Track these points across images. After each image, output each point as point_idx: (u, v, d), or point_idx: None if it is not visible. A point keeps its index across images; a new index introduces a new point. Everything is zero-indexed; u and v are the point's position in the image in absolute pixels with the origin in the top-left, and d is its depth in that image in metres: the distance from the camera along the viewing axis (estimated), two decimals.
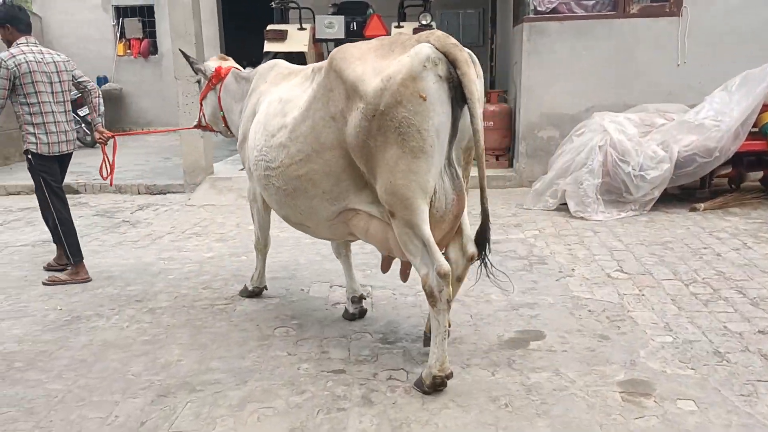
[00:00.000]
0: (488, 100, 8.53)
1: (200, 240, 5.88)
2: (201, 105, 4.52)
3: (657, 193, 6.34)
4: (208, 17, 13.91)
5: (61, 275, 4.78)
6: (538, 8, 7.70)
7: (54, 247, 5.13)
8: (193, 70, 4.47)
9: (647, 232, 5.67)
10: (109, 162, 5.00)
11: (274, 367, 3.31)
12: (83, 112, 11.58)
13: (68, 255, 4.80)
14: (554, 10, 7.71)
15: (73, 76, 4.89)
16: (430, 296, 2.85)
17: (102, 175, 5.05)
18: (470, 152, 2.99)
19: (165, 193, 8.08)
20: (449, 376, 2.95)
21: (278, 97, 3.44)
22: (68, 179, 8.41)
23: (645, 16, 7.49)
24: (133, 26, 14.22)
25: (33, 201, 7.67)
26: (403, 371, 3.24)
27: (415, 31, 8.35)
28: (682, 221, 6.00)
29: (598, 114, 6.89)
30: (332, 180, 3.05)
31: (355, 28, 8.97)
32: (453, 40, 2.75)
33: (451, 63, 2.70)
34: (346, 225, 3.20)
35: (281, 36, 8.60)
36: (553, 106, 7.70)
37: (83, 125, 11.76)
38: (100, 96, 5.03)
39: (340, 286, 4.50)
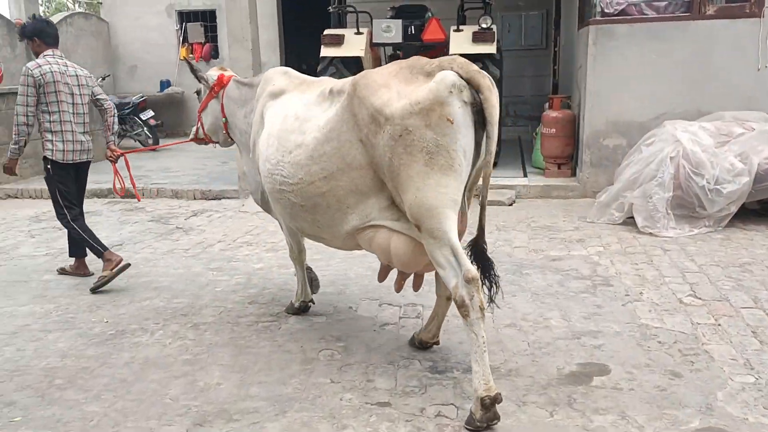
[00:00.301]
0: (550, 106, 8.17)
1: (251, 249, 5.79)
2: (199, 117, 4.51)
3: (734, 209, 5.87)
4: (268, 22, 13.99)
5: (103, 272, 4.83)
6: (606, 10, 7.29)
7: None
8: (197, 77, 4.43)
9: (723, 252, 5.23)
10: (120, 178, 5.18)
11: (315, 396, 3.13)
12: (146, 115, 11.80)
13: (94, 249, 4.89)
14: (623, 12, 7.29)
15: (92, 92, 5.04)
16: (461, 306, 2.85)
17: (116, 191, 5.24)
18: (478, 173, 3.12)
19: (220, 199, 8.08)
20: (497, 398, 2.80)
21: (294, 113, 3.50)
22: (126, 184, 8.59)
23: (722, 17, 6.98)
24: (196, 31, 14.44)
25: (93, 205, 7.84)
26: (453, 407, 3.01)
27: (475, 35, 8.07)
28: (762, 240, 5.53)
29: (670, 122, 6.45)
30: (357, 197, 3.19)
31: (413, 31, 8.75)
32: (475, 67, 2.90)
33: (475, 89, 2.86)
34: (368, 241, 3.28)
35: (338, 41, 8.47)
36: (620, 112, 7.29)
37: (145, 128, 12.00)
38: (116, 115, 5.21)
39: (390, 304, 4.31)
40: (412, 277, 3.62)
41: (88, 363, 3.55)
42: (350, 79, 3.27)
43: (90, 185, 8.55)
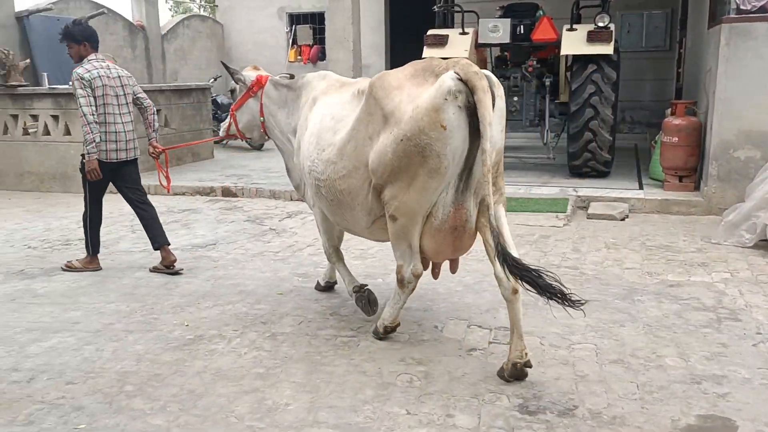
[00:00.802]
0: (673, 112, 7.42)
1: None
2: (232, 115, 4.61)
3: None
4: (375, 25, 13.92)
5: (76, 262, 5.27)
6: (742, 7, 6.50)
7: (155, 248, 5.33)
8: (233, 78, 4.52)
9: None
10: (164, 173, 5.32)
11: (388, 428, 2.84)
12: None
13: (88, 246, 5.25)
14: (761, 9, 6.47)
15: (133, 92, 5.23)
16: (401, 283, 3.52)
17: (161, 185, 5.39)
18: (497, 167, 3.20)
19: None
20: (397, 325, 3.70)
21: (331, 113, 3.72)
22: (227, 182, 8.72)
23: None
24: (305, 33, 14.62)
25: (195, 203, 8.00)
26: None
27: (590, 34, 7.49)
28: None
29: None
30: (364, 194, 3.43)
31: (522, 31, 8.28)
32: (475, 69, 2.99)
33: (471, 90, 2.95)
34: (386, 231, 3.50)
35: (441, 41, 8.16)
36: (755, 121, 6.46)
37: None
38: (155, 113, 5.38)
39: (480, 326, 3.94)
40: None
41: (160, 369, 3.45)
42: (370, 80, 3.45)
43: (192, 182, 8.78)
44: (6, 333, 3.98)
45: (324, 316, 4.19)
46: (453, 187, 3.19)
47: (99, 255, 5.35)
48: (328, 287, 4.64)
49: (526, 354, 3.16)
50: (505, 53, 9.09)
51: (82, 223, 5.32)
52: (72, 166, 8.79)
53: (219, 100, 12.14)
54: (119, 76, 5.10)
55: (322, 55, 14.62)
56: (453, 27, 9.13)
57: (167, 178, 5.34)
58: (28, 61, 9.69)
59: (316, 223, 4.35)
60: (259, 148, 12.04)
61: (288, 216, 7.23)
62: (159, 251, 5.23)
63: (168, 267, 5.16)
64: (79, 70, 4.91)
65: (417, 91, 3.12)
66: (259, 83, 4.41)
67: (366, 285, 4.17)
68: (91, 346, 3.77)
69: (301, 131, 4.04)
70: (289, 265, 5.35)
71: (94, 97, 4.90)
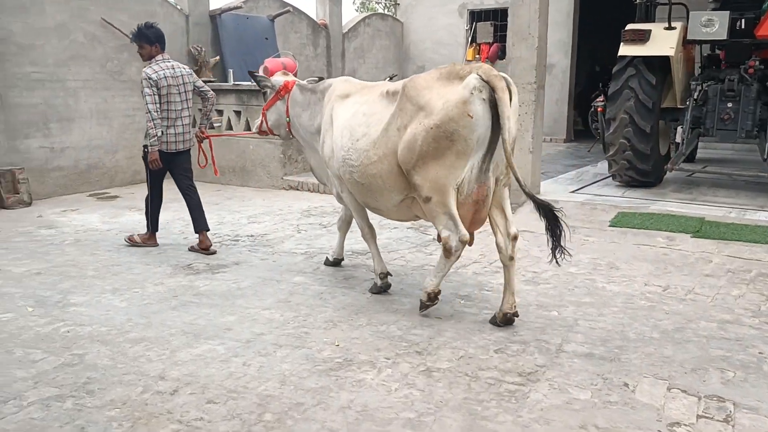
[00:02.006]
0: None
1: None
2: (264, 114, 5.20)
3: None
4: (562, 20, 12.97)
5: (137, 237, 5.93)
6: None
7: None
8: (260, 86, 5.17)
9: None
10: (205, 155, 5.94)
11: None
12: None
13: (149, 224, 5.88)
14: None
15: (195, 86, 5.77)
16: (447, 250, 3.86)
17: (199, 165, 5.95)
18: (510, 159, 3.65)
19: None
20: (439, 292, 4.06)
21: (362, 110, 4.25)
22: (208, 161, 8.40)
23: None
24: (485, 30, 14.03)
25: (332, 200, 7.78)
26: None
27: None
28: None
29: None
30: (394, 176, 3.98)
31: (743, 26, 7.02)
32: (495, 72, 3.65)
33: (492, 89, 3.58)
34: (410, 209, 4.15)
35: (641, 37, 7.17)
36: None
37: None
38: (214, 105, 5.96)
39: (684, 391, 3.15)
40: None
41: (304, 398, 3.12)
42: (402, 82, 4.07)
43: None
44: (162, 333, 3.92)
45: (487, 351, 3.64)
46: (477, 168, 3.74)
47: (266, 253, 5.28)
48: (336, 263, 5.24)
49: (514, 306, 3.97)
50: (718, 52, 7.83)
51: (145, 205, 5.90)
52: (251, 161, 9.04)
53: None
54: (182, 75, 5.63)
55: (502, 54, 13.95)
56: (655, 21, 8.04)
57: (213, 162, 6.07)
58: (217, 57, 10.17)
59: (349, 208, 4.82)
60: None
61: None
62: (198, 235, 5.80)
63: (204, 250, 5.71)
64: (148, 71, 5.46)
65: (444, 90, 3.73)
66: (286, 88, 5.00)
67: (390, 275, 4.74)
68: (239, 359, 3.55)
69: (326, 128, 4.59)
70: (451, 283, 4.85)
71: (159, 95, 5.45)
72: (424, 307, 4.12)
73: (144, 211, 5.96)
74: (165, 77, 5.49)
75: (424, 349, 3.67)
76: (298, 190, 8.82)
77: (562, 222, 3.87)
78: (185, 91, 5.65)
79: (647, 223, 6.25)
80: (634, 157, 7.45)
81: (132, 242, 5.91)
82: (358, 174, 4.19)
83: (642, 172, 7.57)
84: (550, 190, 7.55)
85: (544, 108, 7.39)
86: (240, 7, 10.38)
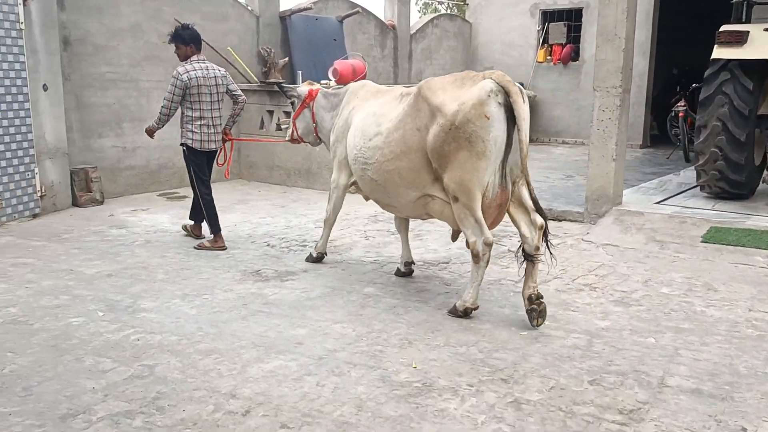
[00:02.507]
0: None
1: (594, 296, 4.64)
2: (294, 122, 5.55)
3: None
4: (642, 19, 12.33)
5: (206, 242, 5.92)
6: None
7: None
8: (286, 96, 5.59)
9: None
10: (225, 155, 6.11)
11: None
12: None
13: (210, 226, 5.91)
14: None
15: (227, 89, 5.91)
16: (476, 256, 4.04)
17: (218, 163, 6.12)
18: (525, 160, 3.89)
19: (560, 221, 7.04)
20: (476, 308, 4.15)
21: (373, 111, 4.51)
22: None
23: None
24: (557, 31, 13.55)
25: None
26: None
27: None
28: None
29: None
30: (414, 173, 4.14)
31: None
32: (508, 78, 3.89)
33: (507, 94, 3.81)
34: (424, 207, 4.28)
35: (738, 39, 6.64)
36: None
37: None
38: (243, 108, 6.10)
39: None
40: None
41: (383, 427, 2.89)
42: (416, 85, 4.23)
43: None
44: (232, 345, 3.77)
45: (581, 382, 3.32)
46: (498, 173, 3.92)
47: (327, 258, 5.14)
48: (407, 272, 5.11)
49: (537, 289, 4.09)
50: None
51: (203, 209, 5.93)
52: (316, 164, 8.92)
53: None
54: (215, 76, 5.78)
55: (575, 55, 13.46)
56: (751, 22, 7.47)
57: (227, 161, 6.19)
58: (286, 59, 10.10)
59: (328, 197, 5.25)
60: None
61: None
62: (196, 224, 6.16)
63: (196, 236, 6.12)
64: (180, 69, 5.66)
65: (458, 93, 3.90)
66: (311, 95, 5.34)
67: (326, 255, 5.39)
68: (312, 377, 3.36)
69: (340, 130, 4.95)
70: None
71: (190, 94, 5.65)
72: (456, 315, 4.18)
73: (204, 215, 5.99)
74: (196, 77, 5.65)
75: (510, 376, 3.39)
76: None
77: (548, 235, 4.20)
78: (217, 92, 5.81)
79: (744, 240, 5.75)
80: (727, 168, 6.92)
81: (202, 248, 5.87)
82: (373, 171, 4.42)
83: (734, 184, 7.03)
84: (632, 200, 7.11)
85: (628, 113, 6.95)
86: (310, 8, 10.29)
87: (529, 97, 13.33)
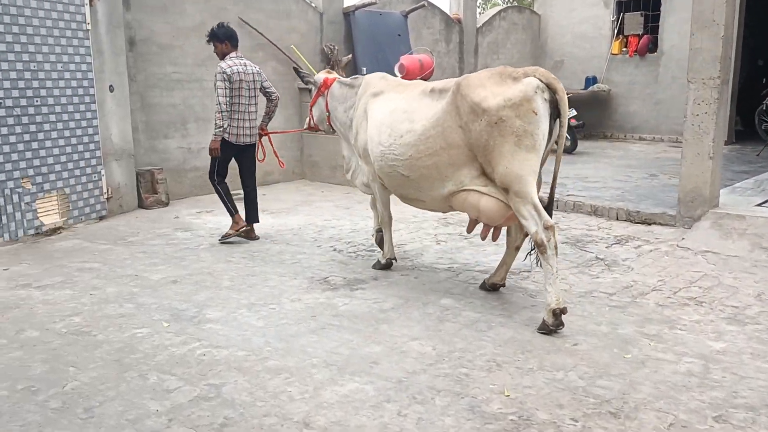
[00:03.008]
0: None
1: (701, 313, 4.13)
2: (311, 110, 5.52)
3: None
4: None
5: (229, 231, 6.00)
6: None
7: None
8: (304, 82, 5.57)
9: None
10: (264, 150, 6.23)
11: None
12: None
13: (230, 212, 6.02)
14: None
15: (262, 86, 6.00)
16: (540, 246, 3.85)
17: (258, 159, 6.21)
18: (548, 152, 4.09)
19: (650, 224, 6.48)
20: (564, 310, 3.81)
21: (401, 107, 4.46)
22: (539, 192, 7.55)
23: None
24: (634, 21, 12.79)
25: None
26: None
27: None
28: None
29: None
30: (453, 168, 4.18)
31: None
32: (552, 75, 3.90)
33: (551, 90, 3.86)
34: (455, 200, 4.29)
35: None
36: None
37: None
38: (277, 105, 6.15)
39: None
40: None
41: None
42: (453, 80, 4.27)
43: None
44: (303, 363, 3.47)
45: (704, 418, 2.86)
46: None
47: (398, 262, 4.79)
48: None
49: (504, 280, 4.55)
50: None
51: (220, 196, 6.05)
52: None
53: None
54: (252, 72, 5.86)
55: (652, 47, 12.67)
56: None
57: (276, 155, 6.60)
58: (350, 56, 9.82)
59: (374, 198, 5.16)
60: None
61: (617, 242, 5.89)
62: (247, 223, 6.10)
63: (246, 236, 6.05)
64: (223, 65, 5.69)
65: (499, 89, 3.90)
66: (326, 84, 5.30)
67: (395, 261, 5.22)
68: (392, 405, 3.02)
69: (360, 122, 4.87)
70: (632, 317, 4.07)
71: (231, 89, 5.68)
72: (546, 330, 3.83)
73: (222, 202, 6.10)
74: (237, 72, 5.73)
75: (619, 409, 2.95)
76: None
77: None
78: (254, 88, 5.90)
79: None
80: None
81: (227, 238, 5.99)
82: (405, 167, 4.40)
83: None
84: (729, 202, 6.47)
85: (727, 107, 6.32)
86: (374, 3, 9.97)
87: (603, 91, 12.67)
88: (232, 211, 6.03)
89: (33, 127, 6.20)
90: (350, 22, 9.91)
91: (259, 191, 8.59)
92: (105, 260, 5.48)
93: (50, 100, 6.35)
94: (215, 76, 5.71)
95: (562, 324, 3.78)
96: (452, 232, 6.33)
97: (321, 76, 5.41)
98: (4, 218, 5.97)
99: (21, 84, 6.05)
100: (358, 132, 4.89)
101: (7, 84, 5.92)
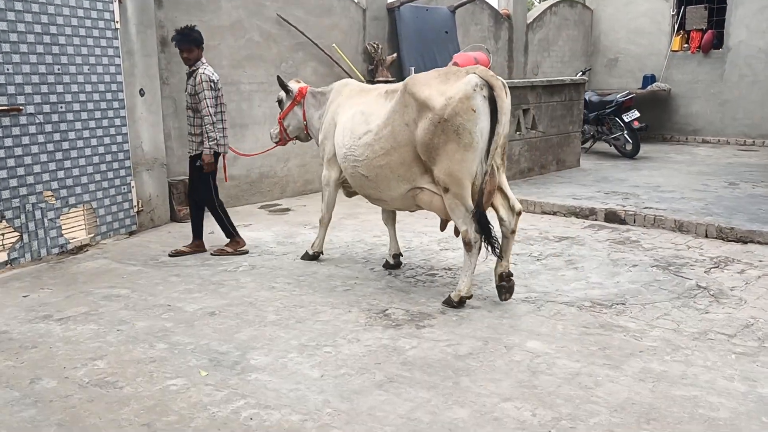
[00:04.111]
0: None
1: None
2: (280, 123, 5.61)
3: None
4: None
5: (227, 248, 5.68)
6: None
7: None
8: (285, 91, 5.52)
9: None
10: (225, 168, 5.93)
11: None
12: (629, 116, 9.92)
13: (228, 233, 5.71)
14: None
15: None
16: (467, 244, 4.19)
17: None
18: (504, 148, 4.26)
19: (746, 242, 5.67)
20: (470, 297, 4.30)
21: (360, 110, 4.69)
22: (610, 203, 6.72)
23: None
24: (697, 15, 11.88)
25: (572, 228, 6.26)
26: None
27: None
28: None
29: None
30: (405, 167, 4.33)
31: None
32: (491, 73, 4.13)
33: (490, 88, 4.03)
34: (413, 199, 4.46)
35: None
36: None
37: (625, 132, 10.11)
38: None
39: None
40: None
41: None
42: (402, 82, 4.47)
43: (564, 199, 7.16)
44: (373, 430, 2.81)
45: None
46: (484, 162, 4.10)
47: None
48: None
49: (509, 267, 4.38)
50: None
51: (214, 215, 5.71)
52: None
53: (587, 97, 10.28)
54: (218, 79, 5.54)
55: (717, 42, 11.75)
56: None
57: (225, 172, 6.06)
58: (395, 55, 9.16)
59: (321, 197, 5.33)
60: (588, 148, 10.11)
61: (715, 265, 5.10)
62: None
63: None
64: (207, 72, 5.34)
65: (443, 87, 4.10)
66: (301, 93, 5.46)
67: (321, 254, 5.41)
68: None
69: (328, 127, 5.09)
70: (766, 369, 3.31)
71: (216, 98, 5.40)
72: (451, 306, 4.30)
73: (219, 221, 5.76)
74: (218, 79, 5.50)
75: None
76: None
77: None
78: (223, 95, 5.64)
79: None
80: None
81: (222, 253, 5.66)
82: (364, 167, 4.55)
83: None
84: None
85: None
86: None
87: (663, 91, 11.75)
88: (234, 234, 5.75)
89: (57, 136, 5.65)
90: (395, 18, 9.23)
91: (299, 202, 8.02)
92: (134, 285, 4.89)
93: (76, 106, 5.80)
94: (200, 84, 5.29)
95: (462, 305, 4.28)
96: (521, 251, 5.60)
97: (295, 85, 5.53)
98: (25, 237, 5.43)
99: (44, 89, 5.49)
100: (326, 138, 5.11)
101: (28, 89, 5.37)
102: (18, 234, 5.38)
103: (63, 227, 5.77)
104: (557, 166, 8.97)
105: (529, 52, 11.78)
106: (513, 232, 4.36)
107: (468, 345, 3.70)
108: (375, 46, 8.97)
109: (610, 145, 10.50)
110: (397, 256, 5.22)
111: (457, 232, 4.39)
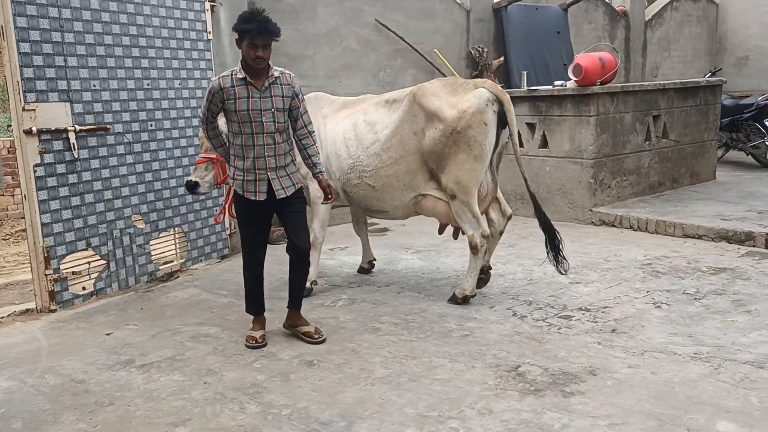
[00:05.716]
0: None
1: None
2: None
3: None
4: None
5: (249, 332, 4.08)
6: None
7: None
8: None
9: None
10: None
11: None
12: None
13: (252, 308, 4.16)
14: None
15: None
16: (474, 248, 4.35)
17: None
18: (500, 158, 4.54)
19: None
20: (474, 295, 4.47)
21: (362, 120, 4.67)
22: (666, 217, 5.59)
23: None
24: None
25: (726, 257, 5.11)
26: None
27: None
28: None
29: None
30: (411, 175, 4.46)
31: None
32: (499, 87, 4.33)
33: (499, 102, 4.26)
34: (414, 206, 4.60)
35: None
36: None
37: (767, 139, 8.82)
38: None
39: None
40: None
41: None
42: (405, 90, 4.64)
43: (711, 220, 6.09)
44: None
45: None
46: (489, 171, 4.41)
47: None
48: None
49: (489, 261, 4.67)
50: None
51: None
52: (545, 186, 7.06)
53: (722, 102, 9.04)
54: None
55: None
56: None
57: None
58: (501, 59, 8.36)
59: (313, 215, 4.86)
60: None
61: None
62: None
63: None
64: (292, 74, 3.97)
65: (453, 99, 4.25)
66: None
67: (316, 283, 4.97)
68: None
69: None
70: None
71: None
72: (455, 303, 4.48)
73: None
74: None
75: None
76: (614, 226, 6.60)
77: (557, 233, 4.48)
78: None
79: None
80: None
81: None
82: (371, 177, 4.56)
83: None
84: None
85: None
86: None
87: None
88: (253, 308, 4.16)
89: (147, 156, 5.26)
90: (501, 19, 8.45)
91: (395, 222, 7.36)
92: (224, 322, 4.37)
93: (166, 124, 5.40)
94: (299, 88, 3.91)
95: (467, 302, 4.46)
96: (671, 287, 4.68)
97: None
98: (113, 265, 5.05)
99: (132, 105, 5.11)
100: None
101: (116, 106, 5.00)
102: (105, 262, 5.00)
103: (152, 254, 5.36)
104: (690, 179, 7.86)
105: (647, 52, 10.65)
106: (501, 233, 4.69)
107: (638, 426, 2.86)
108: (480, 49, 8.22)
109: (747, 154, 9.23)
110: (371, 261, 5.39)
111: (455, 236, 4.77)
